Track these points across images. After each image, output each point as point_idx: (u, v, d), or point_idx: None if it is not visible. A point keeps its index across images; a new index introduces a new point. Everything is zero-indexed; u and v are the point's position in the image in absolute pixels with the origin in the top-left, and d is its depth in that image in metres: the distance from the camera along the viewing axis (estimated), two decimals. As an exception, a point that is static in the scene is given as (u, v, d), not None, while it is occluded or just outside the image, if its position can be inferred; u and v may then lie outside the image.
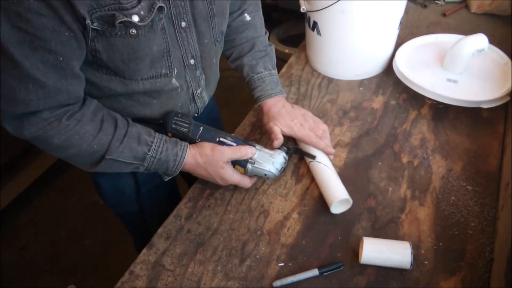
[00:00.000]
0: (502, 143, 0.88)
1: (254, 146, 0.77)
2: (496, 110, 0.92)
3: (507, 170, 0.77)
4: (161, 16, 0.63)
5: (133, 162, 0.70)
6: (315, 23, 1.02)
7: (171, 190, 1.03)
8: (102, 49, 0.62)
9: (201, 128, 0.77)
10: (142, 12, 0.59)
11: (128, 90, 0.71)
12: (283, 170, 0.81)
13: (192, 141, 0.77)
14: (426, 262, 0.68)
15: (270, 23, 2.63)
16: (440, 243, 0.70)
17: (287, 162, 0.81)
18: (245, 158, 0.75)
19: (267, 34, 0.93)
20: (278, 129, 0.84)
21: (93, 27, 0.57)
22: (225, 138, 0.77)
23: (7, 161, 1.88)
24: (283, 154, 0.78)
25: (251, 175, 0.78)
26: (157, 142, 0.71)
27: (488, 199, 0.77)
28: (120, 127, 0.68)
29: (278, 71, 1.13)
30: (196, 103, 0.83)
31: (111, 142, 0.66)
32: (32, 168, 1.96)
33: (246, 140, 0.79)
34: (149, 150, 0.70)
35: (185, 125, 0.77)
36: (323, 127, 0.85)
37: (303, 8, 1.01)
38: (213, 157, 0.73)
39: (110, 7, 0.57)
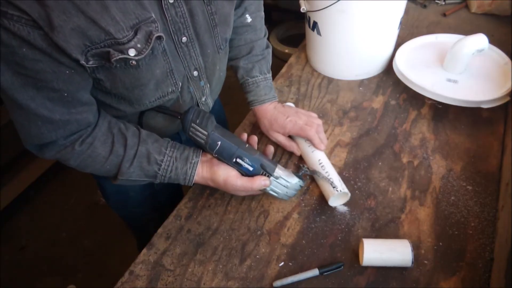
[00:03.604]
0: (502, 143, 0.88)
1: (272, 174, 0.72)
2: (496, 110, 0.92)
3: (507, 170, 0.77)
4: (160, 42, 0.61)
5: (145, 179, 0.72)
6: (315, 23, 1.02)
7: (174, 191, 1.03)
8: (104, 78, 0.61)
9: (219, 143, 0.71)
10: (139, 45, 0.57)
11: (137, 111, 0.72)
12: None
13: (208, 152, 0.74)
14: (426, 262, 0.68)
15: (270, 23, 2.63)
16: (440, 243, 0.70)
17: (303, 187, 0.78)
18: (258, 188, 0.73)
19: (266, 35, 0.92)
20: (285, 139, 0.86)
21: (89, 65, 0.56)
22: (242, 160, 0.72)
23: (7, 161, 1.88)
24: (300, 183, 0.74)
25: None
26: (166, 161, 0.70)
27: (488, 199, 0.77)
28: (130, 146, 0.68)
29: (278, 71, 1.14)
30: None
31: (121, 164, 0.68)
32: (32, 168, 1.97)
33: (265, 161, 0.73)
34: (159, 169, 0.70)
35: (202, 136, 0.71)
36: (317, 122, 0.86)
37: (303, 8, 1.01)
38: (225, 187, 0.73)
39: (105, 43, 0.54)
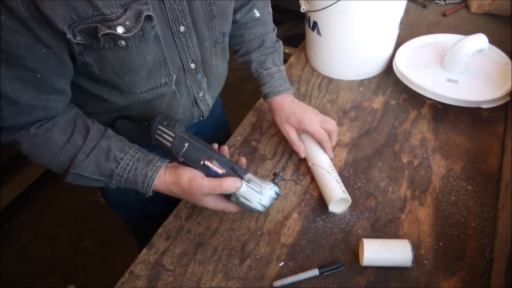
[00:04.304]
0: (502, 143, 0.88)
1: (243, 177, 0.65)
2: (496, 110, 0.92)
3: (507, 170, 0.77)
4: (153, 24, 0.59)
5: (100, 178, 0.65)
6: (315, 23, 1.02)
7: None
8: (92, 62, 0.59)
9: (186, 144, 0.66)
10: (127, 23, 0.55)
11: (129, 103, 0.69)
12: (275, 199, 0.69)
13: (175, 158, 0.67)
14: (426, 262, 0.68)
15: (270, 23, 2.63)
16: (440, 243, 0.70)
17: (279, 195, 0.69)
18: (227, 193, 0.65)
19: (275, 30, 0.92)
20: (296, 137, 0.84)
21: (76, 41, 0.54)
22: (211, 162, 0.65)
23: (7, 161, 1.88)
24: (275, 189, 0.66)
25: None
26: (127, 160, 0.65)
27: (488, 199, 0.77)
28: (91, 139, 0.63)
29: (278, 71, 1.14)
30: (199, 106, 0.81)
31: (76, 155, 0.62)
32: (32, 168, 1.96)
33: (237, 166, 0.67)
34: (116, 168, 0.64)
35: (169, 138, 0.66)
36: (332, 126, 0.83)
37: (303, 8, 1.01)
38: (190, 190, 0.65)
39: (93, 19, 0.53)
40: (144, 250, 0.73)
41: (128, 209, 0.96)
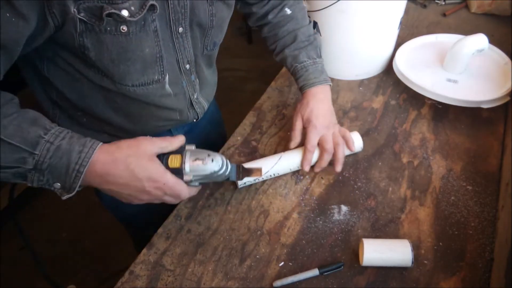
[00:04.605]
0: (502, 143, 0.88)
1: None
2: (496, 110, 0.92)
3: (507, 170, 0.77)
4: (154, 17, 0.61)
5: (20, 145, 0.51)
6: (315, 23, 1.02)
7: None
8: (90, 45, 0.58)
9: None
10: (132, 8, 0.57)
11: (119, 92, 0.68)
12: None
13: None
14: (426, 262, 0.68)
15: (270, 23, 2.63)
16: (440, 243, 0.70)
17: (234, 171, 0.69)
18: (177, 147, 0.62)
19: (311, 23, 0.91)
20: (299, 129, 0.82)
21: (79, 17, 0.54)
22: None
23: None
24: (222, 156, 0.66)
25: (189, 177, 0.63)
26: (59, 129, 0.55)
27: (488, 199, 0.77)
28: (12, 106, 0.54)
29: (278, 71, 1.14)
30: (194, 108, 0.82)
31: None
32: (32, 168, 1.96)
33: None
34: (45, 134, 0.53)
35: None
36: (329, 148, 0.79)
37: (303, 8, 1.01)
38: (138, 148, 0.58)
39: None
40: (144, 250, 0.73)
41: (124, 209, 0.96)
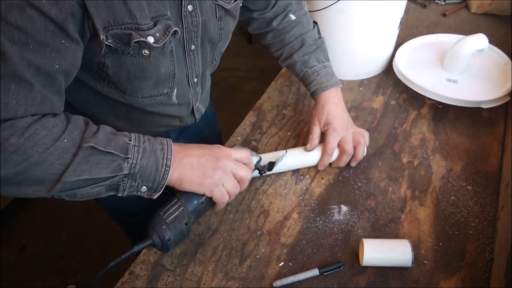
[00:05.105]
0: (502, 143, 0.88)
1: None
2: (496, 110, 0.92)
3: (507, 170, 0.77)
4: (171, 39, 0.63)
5: (114, 152, 0.55)
6: (315, 23, 1.02)
7: (167, 191, 1.02)
8: (110, 64, 0.61)
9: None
10: (157, 35, 0.59)
11: (127, 104, 0.71)
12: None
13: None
14: (426, 262, 0.68)
15: (270, 23, 2.63)
16: (440, 243, 0.70)
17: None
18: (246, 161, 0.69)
19: (316, 26, 0.91)
20: (317, 132, 0.82)
21: (107, 43, 0.56)
22: None
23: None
24: (257, 157, 0.75)
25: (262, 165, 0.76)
26: (135, 134, 0.60)
27: (488, 199, 0.77)
28: (92, 124, 0.58)
29: (278, 71, 1.14)
30: (194, 115, 0.84)
31: (84, 133, 0.54)
32: (32, 168, 1.96)
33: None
34: (130, 140, 0.58)
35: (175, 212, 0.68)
36: (349, 149, 0.81)
37: (303, 8, 1.01)
38: (212, 149, 0.65)
39: (127, 25, 0.56)
40: (144, 250, 0.73)
41: (121, 210, 0.96)
